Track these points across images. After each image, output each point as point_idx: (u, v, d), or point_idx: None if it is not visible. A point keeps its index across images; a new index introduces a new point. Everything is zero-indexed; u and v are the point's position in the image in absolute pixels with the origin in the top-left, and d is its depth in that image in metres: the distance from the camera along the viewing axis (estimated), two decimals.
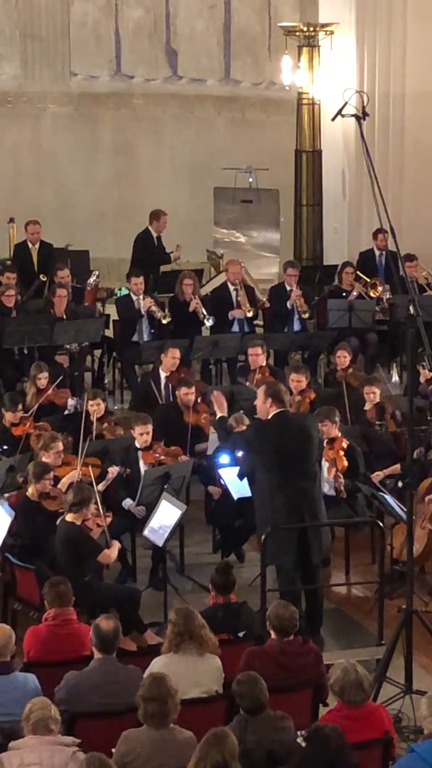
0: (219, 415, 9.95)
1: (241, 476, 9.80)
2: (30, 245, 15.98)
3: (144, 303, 14.46)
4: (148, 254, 16.19)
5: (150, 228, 16.30)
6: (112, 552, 9.63)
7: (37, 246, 15.98)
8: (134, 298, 14.59)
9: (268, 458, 9.22)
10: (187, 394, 12.01)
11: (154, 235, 16.29)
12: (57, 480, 10.24)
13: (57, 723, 6.57)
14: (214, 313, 14.79)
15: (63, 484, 10.24)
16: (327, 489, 10.51)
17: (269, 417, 9.35)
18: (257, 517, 9.41)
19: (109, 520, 9.74)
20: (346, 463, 10.86)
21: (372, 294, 15.39)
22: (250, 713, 6.72)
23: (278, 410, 9.31)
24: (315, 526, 9.27)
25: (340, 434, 11.00)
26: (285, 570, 9.33)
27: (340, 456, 10.83)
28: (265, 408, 9.37)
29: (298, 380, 12.39)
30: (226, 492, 10.70)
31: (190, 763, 6.05)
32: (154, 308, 14.43)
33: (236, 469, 10.43)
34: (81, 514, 9.38)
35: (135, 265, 15.75)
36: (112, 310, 15.15)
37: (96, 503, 9.66)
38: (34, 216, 16.27)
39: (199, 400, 12.10)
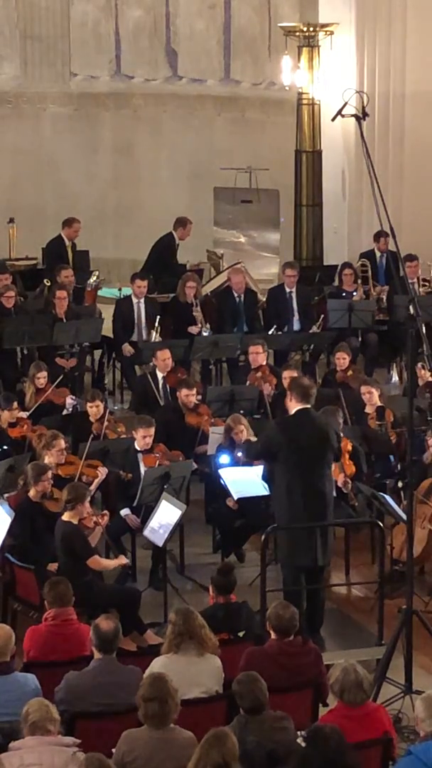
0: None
1: (265, 478, 9.77)
2: (66, 242, 15.95)
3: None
4: (167, 259, 16.06)
5: (174, 233, 16.17)
6: (108, 562, 9.62)
7: (70, 244, 15.97)
8: (134, 300, 14.58)
9: (285, 454, 9.18)
10: (187, 396, 11.99)
11: (177, 241, 16.17)
12: (58, 479, 10.24)
13: (55, 724, 6.57)
14: (217, 318, 14.78)
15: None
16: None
17: (291, 413, 9.32)
18: (276, 516, 9.40)
19: (106, 519, 9.75)
20: (354, 469, 10.86)
21: (373, 294, 15.41)
22: (250, 713, 6.72)
23: (301, 407, 9.26)
24: (321, 527, 9.27)
25: (342, 435, 11.00)
26: (293, 570, 9.33)
27: (347, 459, 10.81)
28: (288, 403, 9.34)
29: (290, 377, 12.36)
30: (226, 492, 10.69)
31: (190, 763, 6.05)
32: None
33: (236, 469, 10.44)
34: (77, 511, 9.38)
35: (147, 268, 15.69)
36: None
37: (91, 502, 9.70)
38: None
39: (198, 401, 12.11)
